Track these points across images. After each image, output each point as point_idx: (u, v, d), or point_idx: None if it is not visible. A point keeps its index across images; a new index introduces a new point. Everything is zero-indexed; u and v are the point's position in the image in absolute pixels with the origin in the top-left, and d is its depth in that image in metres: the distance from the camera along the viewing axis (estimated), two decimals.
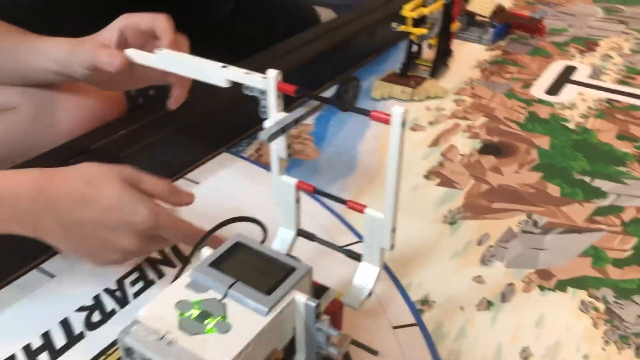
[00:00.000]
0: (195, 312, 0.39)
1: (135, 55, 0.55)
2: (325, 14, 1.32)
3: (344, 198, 0.49)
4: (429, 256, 0.65)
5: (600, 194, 0.76)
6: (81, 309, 0.56)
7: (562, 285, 0.61)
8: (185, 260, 0.53)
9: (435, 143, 0.86)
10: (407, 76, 1.00)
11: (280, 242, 0.54)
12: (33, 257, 0.62)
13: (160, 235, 0.53)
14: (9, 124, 0.69)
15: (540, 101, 0.99)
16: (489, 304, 0.59)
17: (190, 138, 0.78)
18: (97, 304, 0.57)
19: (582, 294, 0.60)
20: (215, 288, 0.41)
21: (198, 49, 1.13)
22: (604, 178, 0.79)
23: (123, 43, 0.61)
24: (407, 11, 0.93)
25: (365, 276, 0.50)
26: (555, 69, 1.11)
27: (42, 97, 0.69)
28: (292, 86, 0.47)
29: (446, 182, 0.77)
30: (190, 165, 0.79)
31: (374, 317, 0.57)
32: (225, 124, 0.84)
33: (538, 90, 1.03)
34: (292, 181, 0.51)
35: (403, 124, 0.43)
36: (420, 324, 0.56)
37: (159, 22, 0.60)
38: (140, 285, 0.59)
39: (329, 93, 0.50)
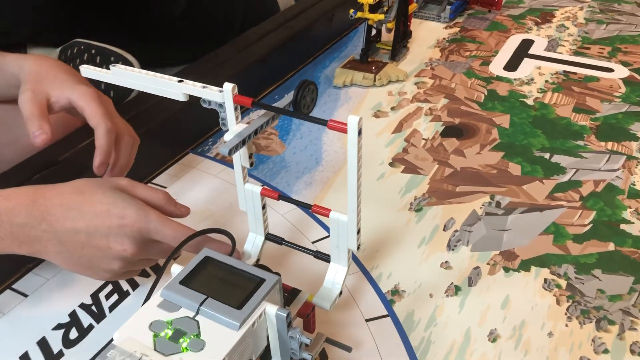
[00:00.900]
0: (169, 332, 0.40)
1: (91, 72, 0.55)
2: (284, 0, 1.32)
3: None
4: (397, 245, 0.66)
5: (560, 169, 0.78)
6: (58, 326, 0.57)
7: (525, 265, 0.64)
8: (159, 273, 0.53)
9: (398, 129, 0.88)
10: (367, 62, 1.01)
11: (250, 246, 0.55)
12: (5, 278, 0.62)
13: (155, 240, 0.52)
14: None
15: (499, 78, 1.01)
16: (457, 289, 0.61)
17: (155, 142, 0.78)
18: (74, 320, 0.58)
19: (545, 272, 0.63)
20: (187, 306, 0.42)
21: (156, 45, 1.13)
22: (563, 153, 0.81)
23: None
24: None
25: (335, 276, 0.51)
26: (512, 43, 1.13)
27: (3, 114, 0.69)
28: (249, 99, 0.48)
29: (410, 169, 0.79)
30: (156, 169, 0.79)
31: (347, 311, 0.59)
32: (189, 125, 0.84)
33: (497, 66, 1.04)
34: (257, 189, 0.52)
35: (359, 132, 0.44)
36: (391, 314, 0.58)
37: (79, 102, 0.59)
38: (115, 297, 0.60)
39: (287, 99, 0.50)
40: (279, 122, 0.89)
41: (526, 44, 1.13)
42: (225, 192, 0.75)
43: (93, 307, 0.59)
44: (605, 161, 0.80)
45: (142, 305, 0.43)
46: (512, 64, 1.05)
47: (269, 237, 0.55)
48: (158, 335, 0.40)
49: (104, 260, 0.52)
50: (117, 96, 0.91)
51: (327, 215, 0.49)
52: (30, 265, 0.63)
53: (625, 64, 1.05)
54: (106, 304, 0.59)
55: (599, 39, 1.14)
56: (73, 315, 0.58)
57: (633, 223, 0.69)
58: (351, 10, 0.95)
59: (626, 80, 0.99)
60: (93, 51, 0.99)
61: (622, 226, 0.69)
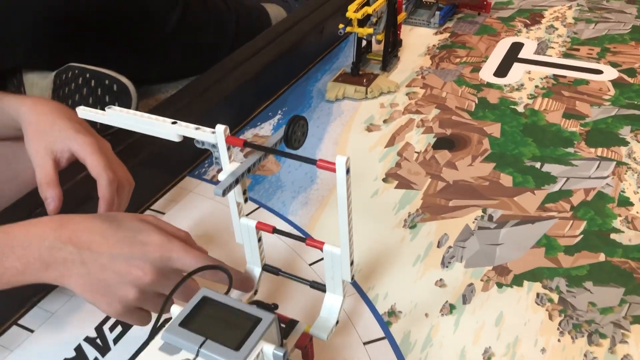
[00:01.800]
0: None
1: (87, 113, 0.56)
2: (274, 11, 1.32)
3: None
4: (393, 265, 0.68)
5: (550, 179, 0.80)
6: None
7: (518, 280, 0.65)
8: (157, 317, 0.53)
9: (391, 142, 0.89)
10: (359, 75, 1.02)
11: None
12: (11, 314, 0.63)
13: (174, 269, 0.53)
14: None
15: (489, 85, 1.02)
16: (451, 308, 0.62)
17: (152, 168, 0.80)
18: (80, 355, 0.59)
19: (537, 287, 0.64)
20: (187, 348, 0.43)
21: (150, 63, 1.14)
22: (553, 162, 0.83)
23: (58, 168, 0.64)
24: (352, 13, 0.94)
25: (331, 306, 0.53)
26: (502, 47, 1.14)
27: (2, 150, 0.70)
28: (240, 140, 0.49)
29: (404, 184, 0.80)
30: (154, 195, 0.80)
31: (344, 335, 0.60)
32: (184, 148, 0.84)
33: (487, 73, 1.05)
34: (252, 223, 0.53)
35: (347, 171, 0.45)
36: (388, 336, 0.60)
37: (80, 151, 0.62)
38: (118, 329, 0.62)
39: (278, 135, 0.52)
40: None
41: (516, 47, 1.14)
42: (222, 215, 0.76)
43: (98, 340, 0.61)
44: (595, 168, 0.81)
45: (148, 337, 0.45)
46: (502, 70, 1.06)
47: (266, 267, 0.57)
48: None
49: (121, 286, 0.52)
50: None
51: (321, 249, 0.50)
52: (35, 300, 0.65)
53: (614, 64, 1.06)
54: (110, 337, 0.61)
55: (588, 39, 1.15)
56: (79, 349, 0.60)
57: (623, 232, 0.71)
58: (340, 26, 0.96)
59: (615, 82, 1.00)
60: (87, 75, 1.00)
61: (612, 235, 0.70)
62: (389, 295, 0.64)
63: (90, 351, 0.60)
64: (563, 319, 0.61)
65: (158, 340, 0.44)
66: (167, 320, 0.46)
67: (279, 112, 0.98)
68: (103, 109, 1.01)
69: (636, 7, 1.26)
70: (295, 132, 0.51)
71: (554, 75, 1.04)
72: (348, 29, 0.96)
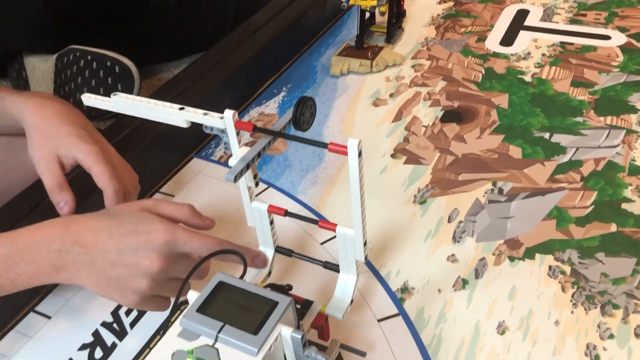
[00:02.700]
0: None
1: (92, 100, 0.55)
2: None
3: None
4: (404, 241, 0.68)
5: (560, 149, 0.79)
6: (83, 347, 0.59)
7: (530, 253, 0.65)
8: (175, 301, 0.54)
9: (398, 117, 0.88)
10: (363, 48, 1.01)
11: None
12: (27, 301, 0.64)
13: (182, 253, 0.54)
14: None
15: (496, 54, 1.00)
16: (464, 283, 0.63)
17: (159, 151, 0.79)
18: (97, 339, 0.60)
19: (549, 259, 0.64)
20: (206, 334, 0.44)
21: (151, 42, 1.13)
22: (562, 132, 0.82)
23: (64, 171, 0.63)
24: None
25: (345, 286, 0.53)
26: (508, 15, 1.12)
27: (9, 140, 0.70)
28: (250, 124, 0.48)
29: (413, 159, 0.80)
30: (163, 178, 0.80)
31: (359, 313, 0.61)
32: (191, 129, 0.84)
33: (493, 42, 1.04)
34: (263, 207, 0.53)
35: (359, 154, 0.44)
36: (402, 313, 0.60)
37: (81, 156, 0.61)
38: (134, 314, 0.62)
39: (287, 117, 0.51)
40: (280, 118, 0.90)
41: (521, 14, 1.12)
42: (232, 196, 0.76)
43: (114, 325, 0.61)
44: (604, 137, 0.81)
45: (164, 323, 0.45)
46: (509, 38, 1.05)
47: (279, 249, 0.57)
48: None
49: (132, 278, 0.53)
50: None
51: (334, 230, 0.50)
52: (50, 287, 0.66)
53: (622, 29, 1.04)
54: (127, 321, 0.62)
55: (595, 4, 1.13)
56: (96, 334, 0.60)
57: (634, 201, 0.70)
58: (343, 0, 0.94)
59: (624, 48, 0.99)
60: (89, 57, 0.99)
61: (624, 205, 0.70)
62: (401, 272, 0.64)
63: (107, 336, 0.60)
64: (576, 290, 0.61)
65: (176, 326, 0.45)
66: (185, 302, 0.47)
67: (284, 89, 0.97)
68: (106, 91, 1.01)
69: None
70: (303, 114, 0.51)
71: (561, 42, 1.02)
72: (351, 1, 0.95)
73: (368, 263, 0.65)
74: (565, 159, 0.78)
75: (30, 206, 0.66)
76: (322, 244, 0.68)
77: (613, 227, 0.67)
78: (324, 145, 0.46)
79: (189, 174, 0.81)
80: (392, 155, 0.81)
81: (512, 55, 1.00)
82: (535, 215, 0.70)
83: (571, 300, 0.60)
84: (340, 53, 1.01)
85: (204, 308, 0.45)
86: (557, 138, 0.81)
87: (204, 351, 0.43)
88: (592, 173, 0.75)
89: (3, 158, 0.69)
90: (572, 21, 1.08)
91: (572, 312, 0.59)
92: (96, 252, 0.52)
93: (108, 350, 0.59)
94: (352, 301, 0.53)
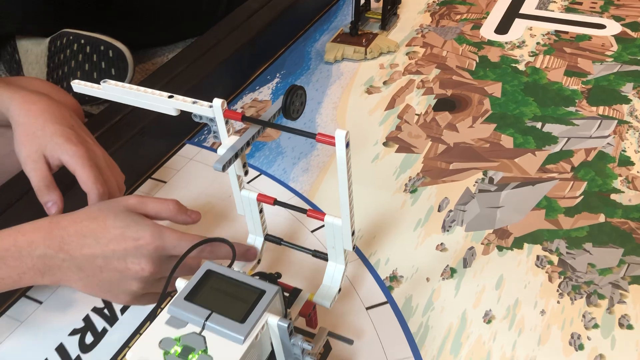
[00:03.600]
0: (178, 349, 0.43)
1: (82, 87, 0.55)
2: None
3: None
4: (394, 230, 0.69)
5: (551, 139, 0.79)
6: (74, 332, 0.60)
7: (518, 243, 0.66)
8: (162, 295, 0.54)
9: (391, 105, 0.88)
10: (358, 35, 1.00)
11: None
12: None
13: (171, 255, 0.54)
14: None
15: (490, 42, 1.00)
16: (452, 272, 0.63)
17: (150, 138, 0.79)
18: (88, 325, 0.60)
19: (537, 249, 0.65)
20: (193, 322, 0.44)
21: (144, 26, 1.12)
22: (554, 122, 0.82)
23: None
24: None
25: (333, 274, 0.53)
26: (503, 2, 1.12)
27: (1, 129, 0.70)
28: (238, 113, 0.48)
29: (405, 148, 0.80)
30: (155, 164, 0.80)
31: (347, 300, 0.61)
32: (183, 116, 0.84)
33: (488, 30, 1.04)
34: (253, 195, 0.53)
35: (347, 145, 0.45)
36: (390, 301, 0.61)
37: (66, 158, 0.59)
38: None
39: (276, 105, 0.51)
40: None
41: (517, 2, 1.11)
42: (223, 183, 0.76)
43: (105, 311, 0.62)
44: (596, 127, 0.81)
45: (153, 310, 0.45)
46: (503, 26, 1.04)
47: (268, 237, 0.57)
48: (168, 352, 0.42)
49: (123, 282, 0.53)
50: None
51: (322, 220, 0.51)
52: None
53: (617, 18, 1.04)
54: (117, 307, 0.62)
55: None
56: (87, 319, 0.61)
57: (623, 192, 0.71)
58: None
59: (618, 37, 0.99)
60: (82, 41, 0.99)
61: (613, 196, 0.71)
62: (390, 261, 0.65)
63: (98, 321, 0.61)
64: (562, 280, 0.62)
65: (164, 314, 0.45)
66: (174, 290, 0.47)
67: (277, 75, 0.97)
68: (100, 76, 1.00)
69: None
70: (293, 103, 0.51)
71: (556, 31, 1.02)
72: None
73: (358, 251, 0.66)
74: (556, 148, 0.78)
75: (16, 197, 0.66)
76: (312, 231, 0.69)
77: (601, 218, 0.68)
78: (311, 135, 0.46)
79: (181, 160, 0.81)
80: (384, 144, 0.81)
81: (506, 43, 1.00)
82: (524, 205, 0.70)
83: (557, 290, 0.61)
84: (334, 39, 1.01)
85: (192, 296, 0.46)
86: (549, 128, 0.81)
87: (191, 339, 0.43)
88: (583, 163, 0.75)
89: None
90: (568, 9, 1.08)
91: (558, 302, 0.60)
92: (83, 258, 0.52)
93: (99, 335, 0.59)
94: (340, 290, 0.53)
